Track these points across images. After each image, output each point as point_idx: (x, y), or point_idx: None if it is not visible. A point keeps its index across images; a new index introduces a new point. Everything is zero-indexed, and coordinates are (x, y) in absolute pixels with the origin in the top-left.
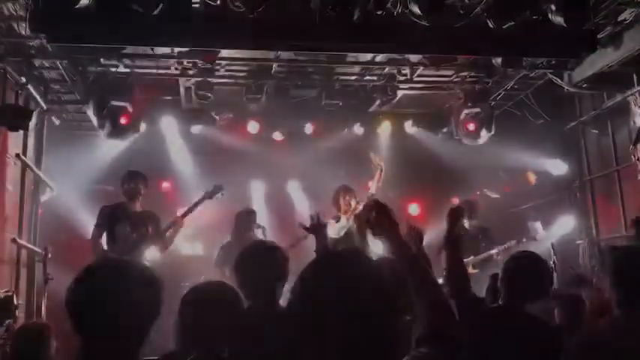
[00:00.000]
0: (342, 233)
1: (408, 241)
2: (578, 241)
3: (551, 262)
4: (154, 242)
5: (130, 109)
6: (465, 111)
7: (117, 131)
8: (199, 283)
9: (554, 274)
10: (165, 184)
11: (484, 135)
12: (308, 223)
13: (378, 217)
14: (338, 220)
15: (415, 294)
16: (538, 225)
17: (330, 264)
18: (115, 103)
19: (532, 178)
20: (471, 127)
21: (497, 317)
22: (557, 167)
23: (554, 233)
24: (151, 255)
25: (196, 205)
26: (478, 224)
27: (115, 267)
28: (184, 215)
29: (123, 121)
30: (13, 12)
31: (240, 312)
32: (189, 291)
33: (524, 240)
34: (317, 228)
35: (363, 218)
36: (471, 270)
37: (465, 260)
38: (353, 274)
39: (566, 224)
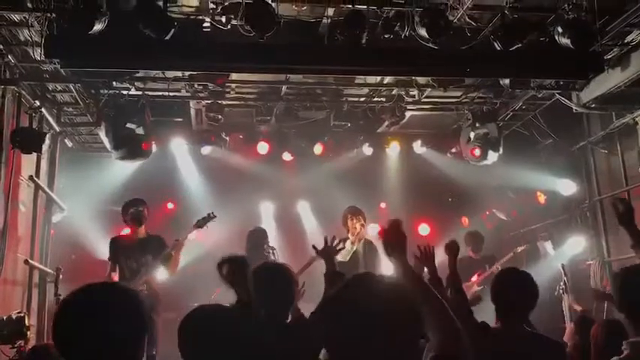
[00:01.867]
0: (347, 257)
1: (417, 265)
2: (589, 262)
3: (562, 283)
4: (156, 267)
5: (142, 132)
6: (473, 132)
7: (129, 153)
8: (194, 308)
9: (566, 296)
10: (175, 205)
11: (492, 155)
12: (321, 245)
13: (391, 237)
14: (346, 241)
15: (426, 318)
16: (548, 245)
17: (360, 286)
18: (126, 125)
19: (542, 198)
20: (477, 152)
21: (497, 338)
22: (567, 187)
23: (565, 253)
24: (159, 277)
25: (188, 232)
26: (483, 254)
27: (92, 293)
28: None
29: (136, 144)
30: (29, 38)
31: (239, 334)
32: (184, 318)
33: (518, 250)
34: (328, 252)
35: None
36: (475, 288)
37: (469, 282)
38: (382, 297)
39: (576, 244)
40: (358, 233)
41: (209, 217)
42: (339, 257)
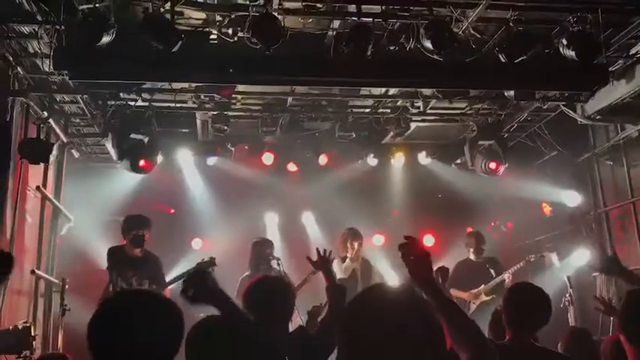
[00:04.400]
0: (348, 273)
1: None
2: (595, 274)
3: (567, 295)
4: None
5: (148, 143)
6: (479, 142)
7: (134, 165)
8: (202, 319)
9: (571, 307)
10: (180, 215)
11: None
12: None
13: (414, 263)
14: (344, 259)
15: (455, 341)
16: (554, 256)
17: (375, 298)
18: (133, 136)
19: (547, 209)
20: (493, 165)
21: (508, 354)
22: (572, 199)
23: (570, 265)
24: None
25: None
26: (485, 255)
27: (136, 299)
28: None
29: (141, 157)
30: (38, 50)
31: (244, 345)
32: (192, 328)
33: (531, 258)
34: (323, 263)
35: (404, 258)
36: (483, 298)
37: (477, 290)
38: (399, 308)
39: (582, 256)
40: (357, 252)
41: (210, 263)
42: (340, 274)
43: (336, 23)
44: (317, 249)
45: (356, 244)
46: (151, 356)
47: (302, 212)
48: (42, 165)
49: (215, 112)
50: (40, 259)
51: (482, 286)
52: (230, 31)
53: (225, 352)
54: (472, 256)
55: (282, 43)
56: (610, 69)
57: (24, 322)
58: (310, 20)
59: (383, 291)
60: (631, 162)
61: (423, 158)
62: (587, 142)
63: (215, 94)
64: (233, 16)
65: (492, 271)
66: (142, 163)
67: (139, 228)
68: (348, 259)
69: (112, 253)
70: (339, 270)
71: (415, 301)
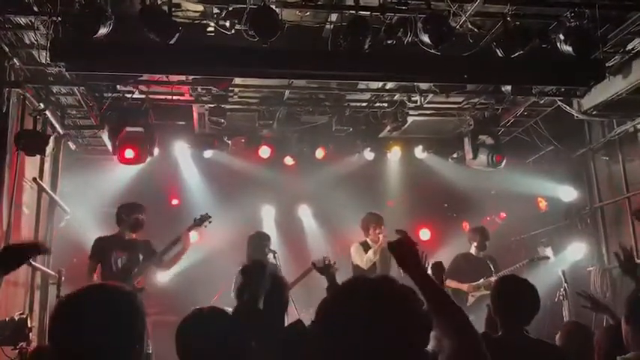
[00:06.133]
0: (369, 265)
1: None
2: (589, 268)
3: (562, 289)
4: (147, 267)
5: (144, 135)
6: (478, 138)
7: (130, 156)
8: (191, 312)
9: (566, 302)
10: (176, 208)
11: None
12: (320, 262)
13: (403, 255)
14: (365, 246)
15: (442, 329)
16: (549, 250)
17: (360, 289)
18: (129, 128)
19: (543, 204)
20: (499, 157)
21: (501, 347)
22: (568, 194)
23: (565, 260)
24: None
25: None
26: (486, 254)
27: (94, 293)
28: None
29: (135, 149)
30: (34, 41)
31: (234, 337)
32: (181, 321)
33: (535, 258)
34: (326, 271)
35: (391, 252)
36: (483, 291)
37: (476, 283)
38: (377, 300)
39: (577, 251)
40: (380, 244)
41: (205, 217)
42: (361, 264)
43: (334, 16)
44: (324, 258)
45: (380, 235)
46: (107, 348)
47: (298, 205)
48: (38, 157)
49: (212, 105)
50: None
51: (482, 279)
52: (227, 23)
53: (213, 344)
54: (473, 251)
55: (280, 36)
56: (607, 64)
57: (20, 314)
58: (308, 13)
59: (359, 285)
60: (626, 157)
61: (419, 152)
62: (583, 138)
63: (212, 87)
64: (230, 9)
65: (492, 267)
66: (136, 155)
67: (140, 212)
68: (370, 251)
69: (102, 239)
70: (359, 259)
71: (389, 294)
